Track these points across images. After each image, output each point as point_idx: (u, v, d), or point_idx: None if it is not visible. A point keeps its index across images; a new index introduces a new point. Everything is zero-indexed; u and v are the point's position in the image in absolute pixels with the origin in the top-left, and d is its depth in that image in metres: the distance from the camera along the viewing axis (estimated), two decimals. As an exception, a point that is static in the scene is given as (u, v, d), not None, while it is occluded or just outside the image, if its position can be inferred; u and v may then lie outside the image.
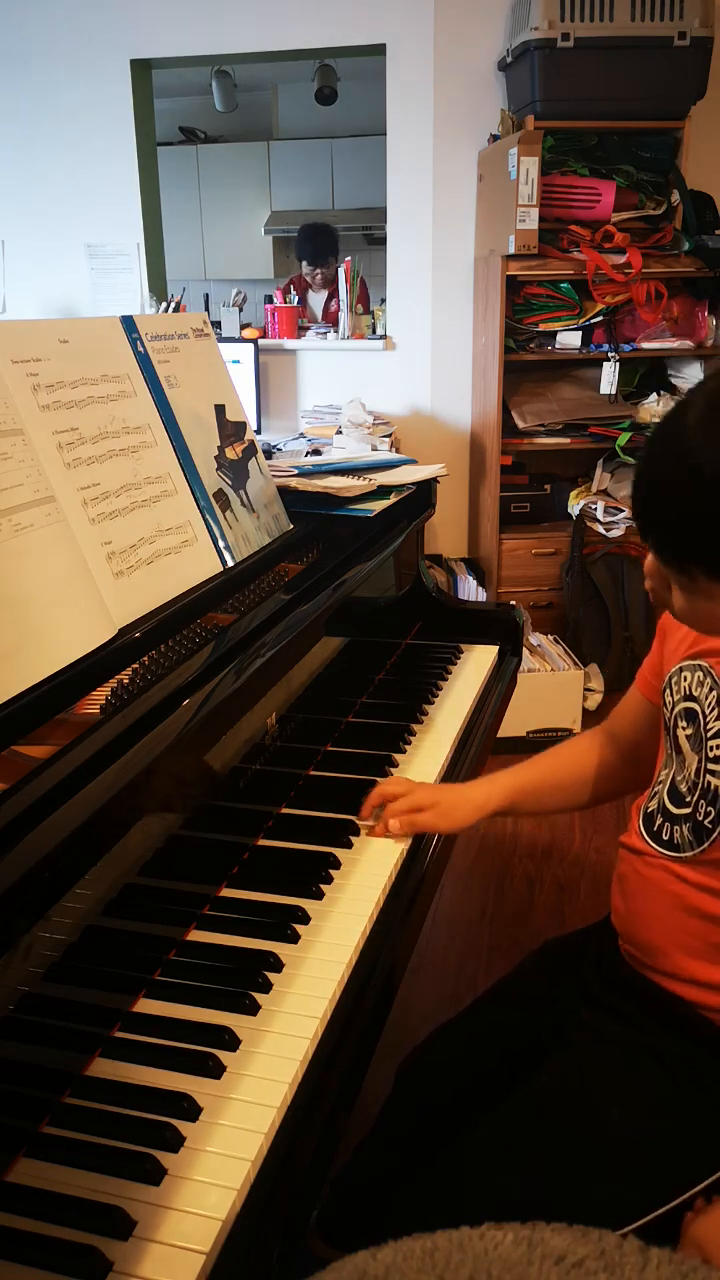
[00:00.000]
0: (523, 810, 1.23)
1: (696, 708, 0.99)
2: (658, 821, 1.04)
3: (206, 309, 5.18)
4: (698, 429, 0.78)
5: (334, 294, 3.77)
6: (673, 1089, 0.97)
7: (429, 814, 1.17)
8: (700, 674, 1.01)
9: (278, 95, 6.58)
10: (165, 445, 1.27)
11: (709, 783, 0.97)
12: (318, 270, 4.60)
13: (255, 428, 3.24)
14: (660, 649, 1.13)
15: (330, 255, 4.58)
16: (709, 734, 0.98)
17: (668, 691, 1.05)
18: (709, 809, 0.97)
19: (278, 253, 6.90)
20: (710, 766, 0.97)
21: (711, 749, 0.97)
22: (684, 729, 1.02)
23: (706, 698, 0.99)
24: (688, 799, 1.00)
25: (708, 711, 0.98)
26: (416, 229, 3.41)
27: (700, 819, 0.98)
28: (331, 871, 1.09)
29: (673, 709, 1.04)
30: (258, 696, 1.12)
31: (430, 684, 1.59)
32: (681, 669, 1.03)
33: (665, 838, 1.02)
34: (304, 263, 4.68)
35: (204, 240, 6.87)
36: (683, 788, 1.01)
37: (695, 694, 1.00)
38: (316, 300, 4.69)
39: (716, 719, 0.97)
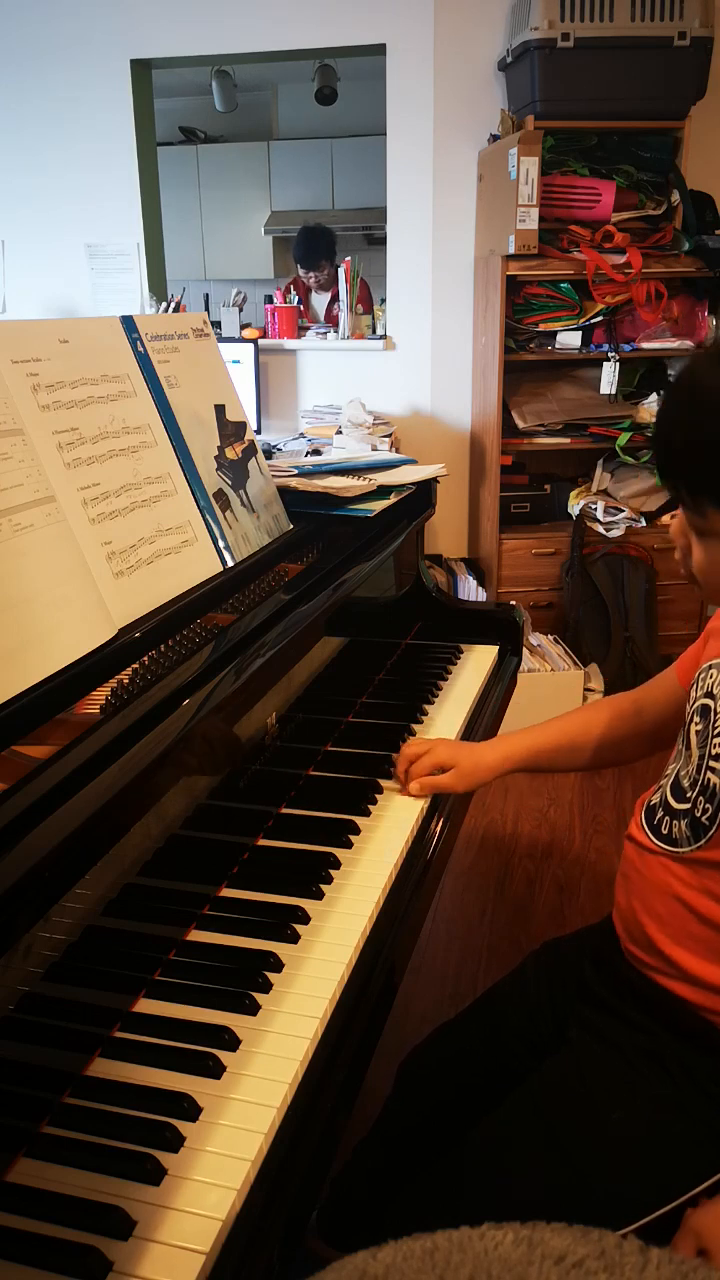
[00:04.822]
0: (536, 769, 1.29)
1: (712, 704, 1.00)
2: (658, 815, 1.04)
3: (206, 309, 5.18)
4: (702, 367, 0.92)
5: (335, 296, 3.78)
6: (673, 1089, 0.98)
7: (449, 775, 1.25)
8: None
9: (278, 95, 6.58)
10: (165, 445, 1.27)
11: (709, 779, 0.97)
12: (311, 274, 4.60)
13: (255, 428, 3.24)
14: (702, 645, 1.13)
15: (322, 259, 4.55)
16: (715, 731, 0.98)
17: (694, 687, 1.06)
18: (707, 805, 0.97)
19: (278, 253, 6.90)
20: (712, 764, 0.97)
21: (715, 746, 0.97)
22: (696, 724, 1.02)
23: None
24: (688, 794, 1.00)
25: (719, 710, 0.99)
26: (416, 229, 3.41)
27: (698, 815, 0.98)
28: (331, 871, 1.09)
29: (693, 703, 1.04)
30: (258, 696, 1.12)
31: (430, 684, 1.59)
32: (711, 666, 1.04)
33: (665, 831, 1.02)
34: (298, 266, 4.68)
35: (204, 240, 6.87)
36: (685, 783, 1.01)
37: (715, 691, 1.00)
38: (319, 301, 4.68)
39: None
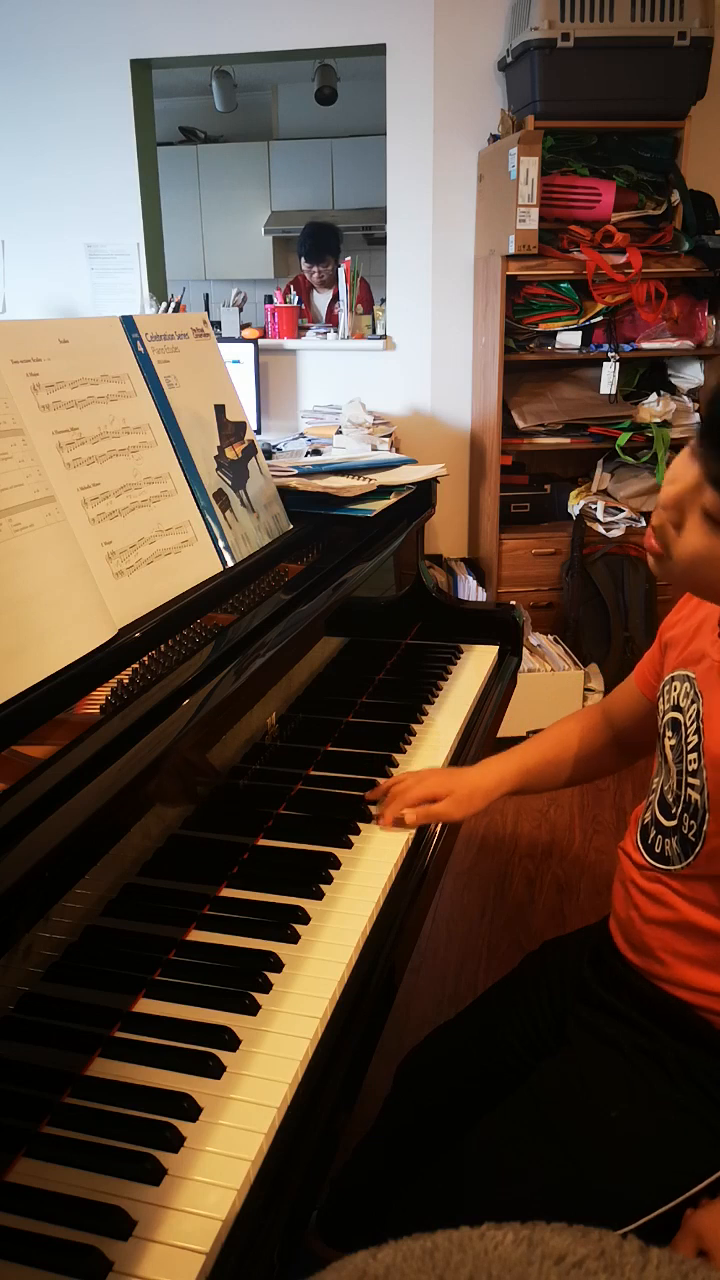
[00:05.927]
0: (527, 791, 1.26)
1: (681, 718, 1.00)
2: (651, 834, 1.05)
3: (206, 309, 5.19)
4: None
5: (337, 295, 3.79)
6: (672, 1088, 0.98)
7: (444, 803, 1.20)
8: (686, 685, 1.01)
9: (278, 95, 6.58)
10: (165, 445, 1.27)
11: (689, 796, 0.98)
12: (315, 268, 4.60)
13: (255, 428, 3.24)
14: (660, 654, 1.13)
15: (328, 254, 4.56)
16: (688, 746, 0.98)
17: (661, 699, 1.06)
18: (691, 822, 0.97)
19: (278, 253, 6.90)
20: (689, 780, 0.98)
21: (690, 762, 0.97)
22: (669, 739, 1.02)
23: (689, 709, 0.99)
24: (673, 810, 1.01)
25: (688, 724, 0.99)
26: (416, 229, 3.41)
27: (685, 833, 0.98)
28: (331, 871, 1.09)
29: (662, 718, 1.04)
30: (258, 696, 1.12)
31: (430, 684, 1.59)
32: (673, 679, 1.04)
33: (657, 850, 1.03)
34: (302, 259, 4.69)
35: (204, 240, 6.87)
36: (669, 798, 1.02)
37: (681, 705, 1.01)
38: (321, 300, 4.69)
39: (694, 732, 0.97)
